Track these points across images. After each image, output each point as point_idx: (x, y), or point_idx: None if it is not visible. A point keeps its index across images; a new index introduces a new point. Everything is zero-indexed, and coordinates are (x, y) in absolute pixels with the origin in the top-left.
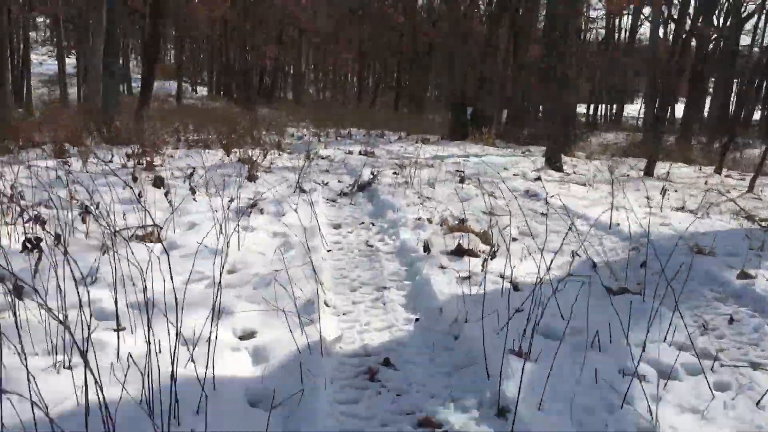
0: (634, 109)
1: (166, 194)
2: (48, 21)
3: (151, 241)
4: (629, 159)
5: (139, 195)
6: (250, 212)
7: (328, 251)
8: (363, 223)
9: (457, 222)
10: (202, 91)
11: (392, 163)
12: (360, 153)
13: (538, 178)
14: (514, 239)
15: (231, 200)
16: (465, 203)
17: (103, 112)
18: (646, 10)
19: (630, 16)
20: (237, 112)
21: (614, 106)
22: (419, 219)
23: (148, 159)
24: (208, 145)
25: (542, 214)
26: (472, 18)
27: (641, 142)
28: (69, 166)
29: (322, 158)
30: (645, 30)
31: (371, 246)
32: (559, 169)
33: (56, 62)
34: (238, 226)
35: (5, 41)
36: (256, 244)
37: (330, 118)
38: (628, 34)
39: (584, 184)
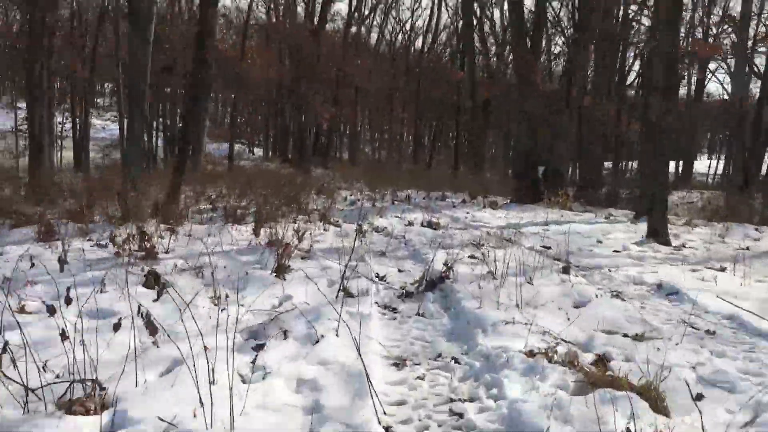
0: (701, 165)
1: (158, 294)
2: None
3: (86, 412)
4: (729, 223)
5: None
6: (265, 342)
7: None
8: (440, 356)
9: (594, 360)
10: (260, 152)
11: (464, 238)
12: (423, 224)
13: (642, 257)
14: (698, 398)
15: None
16: (582, 310)
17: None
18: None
19: (697, 68)
20: (289, 173)
21: (680, 162)
22: (530, 353)
23: (148, 245)
24: (241, 218)
25: (707, 332)
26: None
27: (726, 201)
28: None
29: (378, 231)
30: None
31: (458, 415)
32: (667, 243)
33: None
34: (232, 373)
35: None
36: (265, 411)
37: (386, 178)
38: (695, 87)
39: (721, 269)
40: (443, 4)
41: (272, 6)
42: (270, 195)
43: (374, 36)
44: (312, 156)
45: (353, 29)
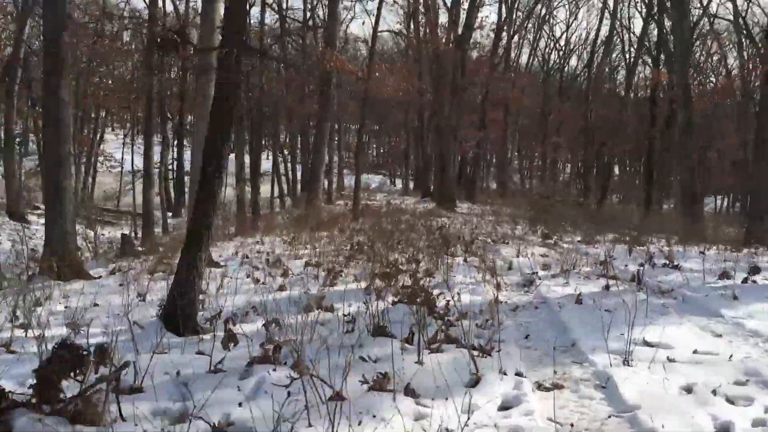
0: None
1: None
2: None
3: None
4: None
5: None
6: None
7: None
8: None
9: None
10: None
11: None
12: None
13: None
14: None
15: None
16: None
17: None
18: None
19: None
20: (428, 211)
21: None
22: None
23: None
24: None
25: None
26: None
27: None
28: None
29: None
30: None
31: None
32: None
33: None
34: None
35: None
36: None
37: (554, 217)
38: None
39: None
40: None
41: (407, 15)
42: (385, 272)
43: (525, 52)
44: (457, 187)
45: (503, 42)
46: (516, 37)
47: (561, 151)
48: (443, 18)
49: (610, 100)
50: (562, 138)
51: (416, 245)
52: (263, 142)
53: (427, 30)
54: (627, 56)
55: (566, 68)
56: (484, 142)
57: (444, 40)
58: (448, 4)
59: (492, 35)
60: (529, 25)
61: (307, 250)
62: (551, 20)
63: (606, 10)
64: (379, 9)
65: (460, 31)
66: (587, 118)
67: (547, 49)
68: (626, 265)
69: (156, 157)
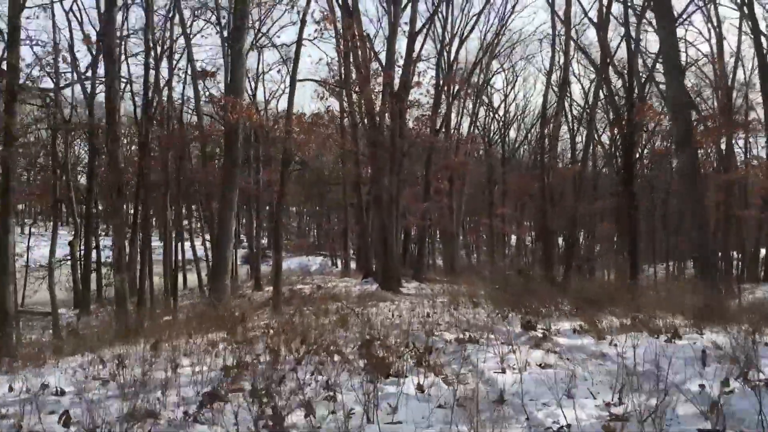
0: None
1: None
2: None
3: None
4: None
5: None
6: None
7: None
8: None
9: None
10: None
11: None
12: None
13: None
14: None
15: None
16: None
17: None
18: None
19: None
20: (369, 294)
21: None
22: None
23: None
24: None
25: None
26: None
27: None
28: None
29: None
30: None
31: None
32: None
33: None
34: None
35: None
36: None
37: (524, 295)
38: None
39: None
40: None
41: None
42: None
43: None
44: (402, 265)
45: (442, 108)
46: (456, 103)
47: (508, 223)
48: (376, 69)
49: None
50: (507, 209)
51: (343, 353)
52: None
53: (357, 84)
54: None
55: (506, 139)
56: (429, 214)
57: (379, 96)
58: (383, 62)
59: (431, 91)
60: (468, 94)
61: (163, 373)
62: (489, 89)
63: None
64: (297, 53)
65: (395, 88)
66: (543, 178)
67: (486, 119)
68: (701, 389)
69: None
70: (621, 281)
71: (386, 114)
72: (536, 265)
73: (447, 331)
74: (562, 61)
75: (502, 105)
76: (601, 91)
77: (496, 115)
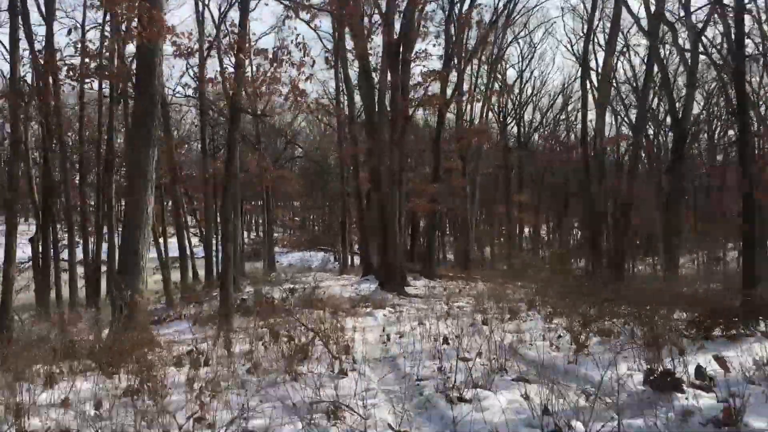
0: None
1: None
2: None
3: None
4: None
5: None
6: None
7: None
8: None
9: None
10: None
11: None
12: None
13: None
14: None
15: None
16: None
17: None
18: None
19: None
20: (364, 297)
21: None
22: None
23: None
24: None
25: None
26: None
27: None
28: None
29: None
30: None
31: None
32: None
33: None
34: None
35: None
36: None
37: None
38: None
39: None
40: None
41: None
42: None
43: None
44: (410, 261)
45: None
46: (467, 71)
47: (527, 212)
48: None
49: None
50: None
51: None
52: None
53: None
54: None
55: (522, 121)
56: (439, 199)
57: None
58: (383, 8)
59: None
60: (481, 60)
61: None
62: (504, 65)
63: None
64: None
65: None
66: (587, 152)
67: (501, 99)
68: None
69: None
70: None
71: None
72: (595, 259)
73: (491, 386)
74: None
75: (517, 83)
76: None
77: (511, 95)
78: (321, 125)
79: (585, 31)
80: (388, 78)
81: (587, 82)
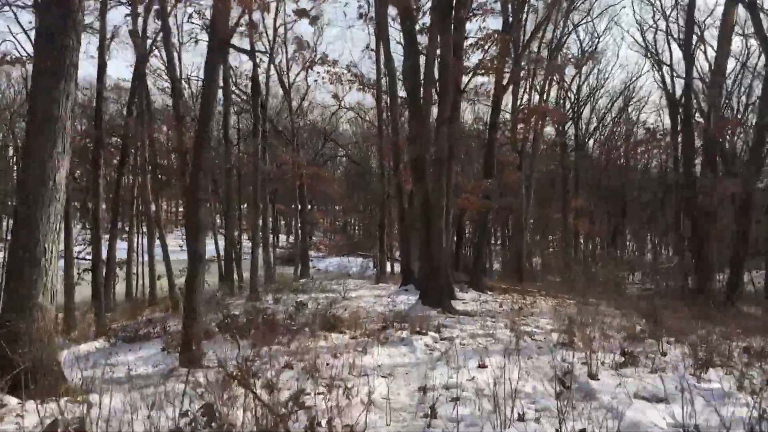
0: None
1: None
2: None
3: None
4: None
5: None
6: None
7: None
8: None
9: None
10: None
11: None
12: None
13: None
14: None
15: None
16: None
17: None
18: None
19: None
20: (401, 315)
21: None
22: None
23: None
24: None
25: None
26: None
27: None
28: None
29: None
30: None
31: None
32: None
33: None
34: None
35: None
36: None
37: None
38: None
39: None
40: None
41: None
42: None
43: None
44: (455, 271)
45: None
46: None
47: (582, 220)
48: None
49: None
50: (582, 200)
51: None
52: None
53: None
54: None
55: (579, 121)
56: (494, 197)
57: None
58: None
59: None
60: (542, 41)
61: None
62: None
63: None
64: None
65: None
66: (690, 137)
67: (559, 99)
68: None
69: None
70: None
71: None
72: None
73: None
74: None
75: (575, 81)
76: None
77: (569, 94)
78: (363, 124)
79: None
80: (437, 44)
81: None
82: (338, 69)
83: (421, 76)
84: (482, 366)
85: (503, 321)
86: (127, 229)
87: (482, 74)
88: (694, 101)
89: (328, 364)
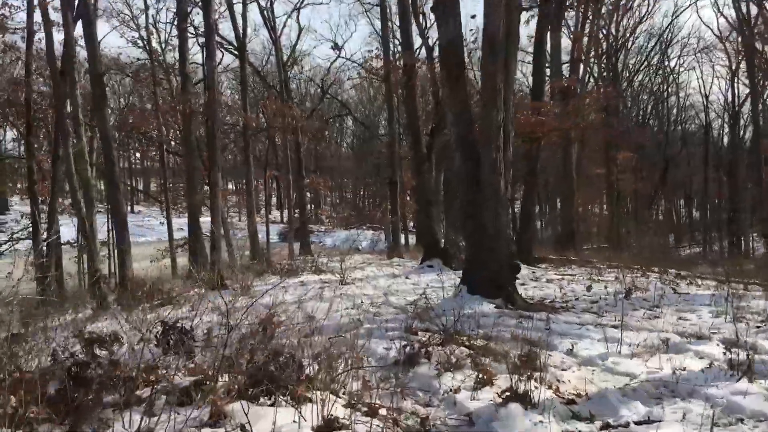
0: None
1: None
2: None
3: None
4: None
5: None
6: None
7: None
8: None
9: None
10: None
11: None
12: None
13: None
14: None
15: None
16: None
17: None
18: None
19: None
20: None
21: None
22: None
23: None
24: None
25: None
26: None
27: None
28: None
29: None
30: None
31: None
32: None
33: None
34: None
35: None
36: None
37: None
38: None
39: None
40: None
41: None
42: None
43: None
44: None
45: None
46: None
47: (627, 175)
48: None
49: None
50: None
51: None
52: None
53: None
54: None
55: (617, 62)
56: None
57: None
58: None
59: None
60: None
61: None
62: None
63: None
64: None
65: None
66: None
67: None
68: None
69: None
70: None
71: None
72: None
73: None
74: None
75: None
76: None
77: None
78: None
79: None
80: None
81: None
82: None
83: None
84: None
85: (634, 322)
86: None
87: None
88: None
89: None
